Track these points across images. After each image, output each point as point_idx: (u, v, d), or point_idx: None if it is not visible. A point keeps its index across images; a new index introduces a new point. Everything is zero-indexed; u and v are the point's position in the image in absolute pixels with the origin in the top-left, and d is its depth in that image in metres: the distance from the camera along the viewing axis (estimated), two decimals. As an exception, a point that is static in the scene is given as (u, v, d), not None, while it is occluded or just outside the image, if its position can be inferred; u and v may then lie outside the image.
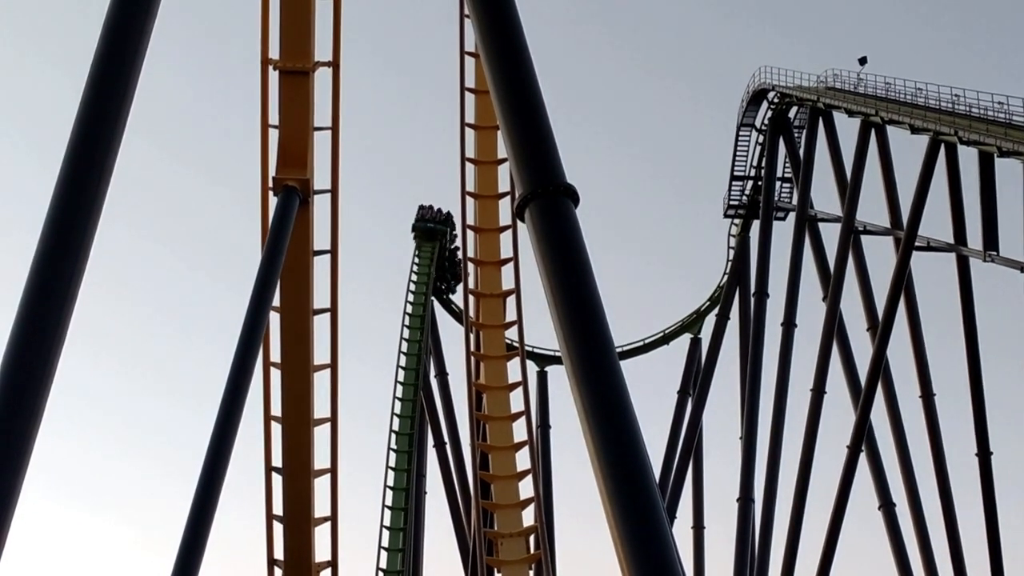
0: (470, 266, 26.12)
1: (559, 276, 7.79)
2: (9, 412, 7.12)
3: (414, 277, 33.35)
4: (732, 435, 33.09)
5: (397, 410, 28.91)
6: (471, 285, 25.98)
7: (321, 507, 19.18)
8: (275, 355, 17.27)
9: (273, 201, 17.27)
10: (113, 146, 8.18)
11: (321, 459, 18.83)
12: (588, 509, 38.43)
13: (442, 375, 32.04)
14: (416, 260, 33.91)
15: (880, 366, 28.86)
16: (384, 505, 29.02)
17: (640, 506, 6.22)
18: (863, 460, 29.34)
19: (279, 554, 19.06)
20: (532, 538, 22.86)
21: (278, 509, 18.50)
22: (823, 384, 29.67)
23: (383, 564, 27.51)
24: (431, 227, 34.81)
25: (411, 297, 32.36)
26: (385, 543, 28.14)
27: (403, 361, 30.41)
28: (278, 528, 18.85)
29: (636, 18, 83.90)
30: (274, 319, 16.74)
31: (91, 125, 8.12)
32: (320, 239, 18.12)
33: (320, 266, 18.24)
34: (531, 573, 22.93)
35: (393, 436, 28.98)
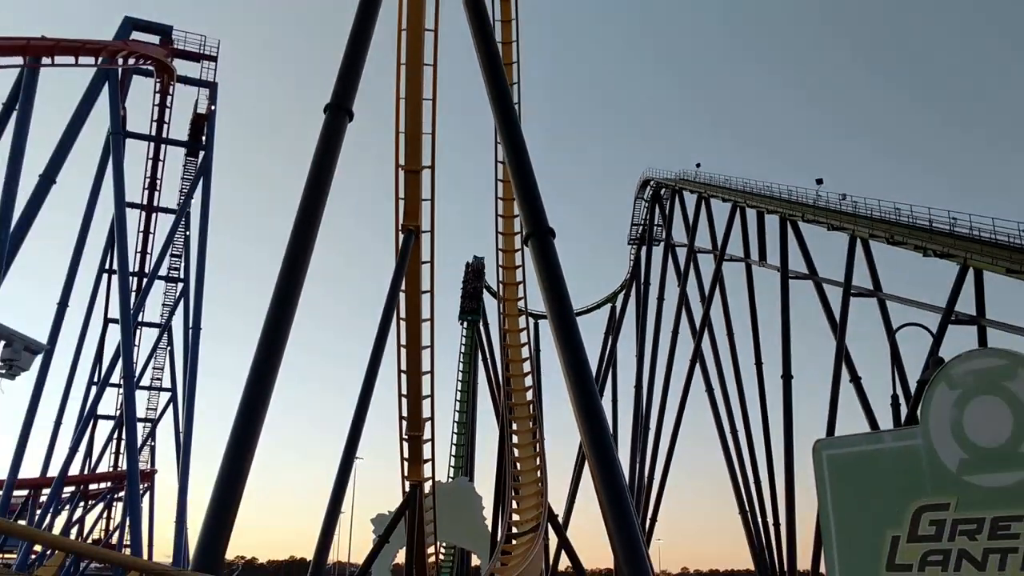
0: (501, 272, 40.62)
1: (546, 276, 15.37)
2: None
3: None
4: (631, 354, 59.54)
5: (463, 344, 54.72)
6: (500, 278, 41.24)
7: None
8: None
9: (400, 237, 29.57)
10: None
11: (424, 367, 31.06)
12: (563, 395, 61.74)
13: (486, 326, 57.57)
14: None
15: (706, 321, 55.06)
16: (456, 400, 54.44)
17: (588, 391, 14.14)
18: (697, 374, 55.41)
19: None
20: (531, 408, 39.71)
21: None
22: (677, 329, 56.05)
23: (457, 419, 53.19)
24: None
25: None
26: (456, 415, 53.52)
27: (465, 323, 56.18)
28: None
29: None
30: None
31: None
32: (424, 255, 31.08)
33: (424, 271, 31.63)
34: (530, 424, 38.93)
35: (461, 361, 54.73)
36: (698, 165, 56.18)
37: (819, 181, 44.57)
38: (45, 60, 28.02)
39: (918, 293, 38.43)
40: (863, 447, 4.85)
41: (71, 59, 29.59)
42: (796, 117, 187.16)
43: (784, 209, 45.78)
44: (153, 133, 45.57)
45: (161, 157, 47.53)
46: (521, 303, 40.59)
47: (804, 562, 43.42)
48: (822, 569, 35.19)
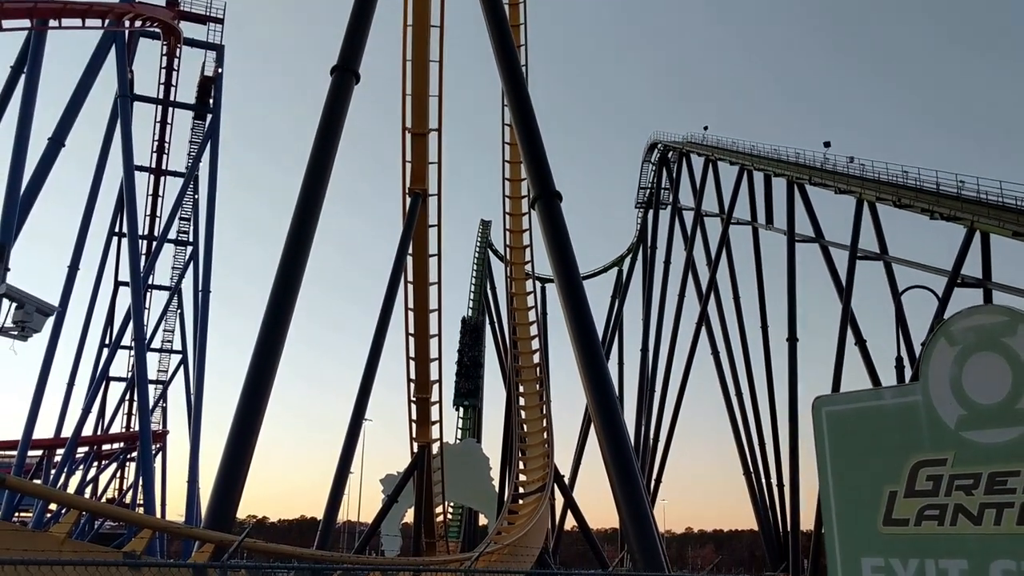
0: (508, 235, 39.49)
1: (553, 239, 18.39)
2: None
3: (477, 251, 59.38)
4: (637, 317, 59.76)
5: (471, 307, 54.98)
6: (507, 241, 39.95)
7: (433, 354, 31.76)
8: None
9: (407, 200, 30.31)
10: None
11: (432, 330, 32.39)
12: (569, 354, 62.18)
13: (493, 289, 57.73)
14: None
15: (713, 284, 55.01)
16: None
17: (594, 353, 18.04)
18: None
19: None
20: (538, 370, 40.40)
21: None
22: (684, 292, 56.09)
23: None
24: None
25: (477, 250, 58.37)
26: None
27: (473, 283, 56.37)
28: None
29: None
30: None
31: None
32: (431, 219, 30.97)
33: (431, 235, 31.31)
34: (537, 386, 39.96)
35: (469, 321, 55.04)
36: (705, 128, 55.97)
37: (827, 144, 44.29)
38: (52, 23, 27.88)
39: (925, 257, 38.36)
40: (862, 403, 4.96)
41: (78, 21, 29.41)
42: (805, 81, 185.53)
43: (792, 172, 45.56)
44: (161, 96, 45.46)
45: (169, 120, 47.50)
46: (528, 267, 41.00)
47: (807, 522, 43.85)
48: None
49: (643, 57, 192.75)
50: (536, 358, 40.25)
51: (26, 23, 27.24)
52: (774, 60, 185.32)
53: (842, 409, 5.04)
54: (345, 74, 22.39)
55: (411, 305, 31.01)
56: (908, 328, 35.61)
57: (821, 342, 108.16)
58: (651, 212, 61.76)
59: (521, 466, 36.35)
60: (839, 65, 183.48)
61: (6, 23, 26.22)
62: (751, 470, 50.38)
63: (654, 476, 53.97)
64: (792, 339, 44.76)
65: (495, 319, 57.41)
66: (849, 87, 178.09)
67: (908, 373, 28.64)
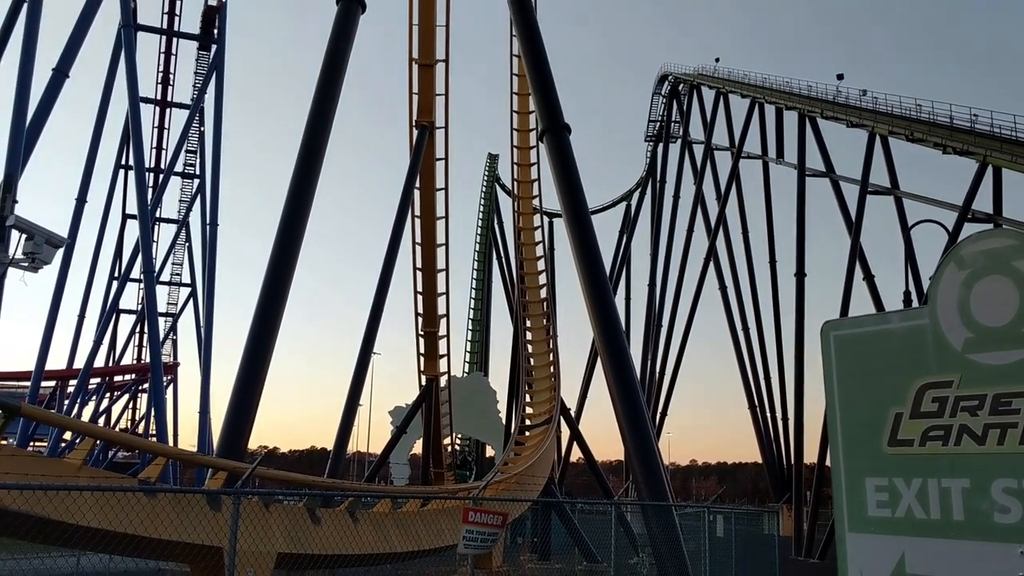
0: (516, 169, 39.79)
1: (561, 172, 19.42)
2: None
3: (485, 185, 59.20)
4: (645, 252, 59.81)
5: (478, 241, 55.05)
6: (515, 175, 40.34)
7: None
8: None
9: (414, 133, 29.79)
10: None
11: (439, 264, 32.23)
12: (576, 289, 62.62)
13: (500, 224, 57.68)
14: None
15: (722, 219, 54.70)
16: (471, 298, 55.22)
17: (601, 288, 19.07)
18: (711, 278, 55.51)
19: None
20: (544, 305, 40.72)
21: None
22: (692, 226, 55.94)
23: (471, 316, 54.01)
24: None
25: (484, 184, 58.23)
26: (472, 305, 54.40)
27: (480, 217, 56.35)
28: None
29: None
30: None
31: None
32: (438, 152, 30.55)
33: (438, 168, 30.82)
34: (544, 321, 39.27)
35: (476, 255, 55.20)
36: (717, 60, 55.13)
37: (840, 77, 43.57)
38: (52, -52, 27.47)
39: (936, 192, 38.05)
40: (870, 327, 4.99)
41: (78, -52, 29.02)
42: (819, 11, 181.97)
43: (803, 105, 45.01)
44: (164, 26, 44.93)
45: (173, 51, 47.05)
46: (535, 201, 41.14)
47: (811, 455, 44.33)
48: (828, 463, 35.90)
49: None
50: (543, 293, 40.59)
51: (26, -51, 26.86)
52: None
53: (850, 333, 5.07)
54: (351, 3, 22.09)
55: (418, 239, 31.01)
56: (917, 263, 35.58)
57: (829, 277, 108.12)
58: (660, 146, 61.15)
59: (528, 399, 36.77)
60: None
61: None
62: (756, 404, 50.77)
63: (659, 409, 54.41)
64: (800, 274, 44.67)
65: (502, 254, 57.46)
66: (863, 19, 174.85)
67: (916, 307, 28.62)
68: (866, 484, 4.80)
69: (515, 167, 40.24)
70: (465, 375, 51.46)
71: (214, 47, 42.45)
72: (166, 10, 44.63)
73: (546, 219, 55.54)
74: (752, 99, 51.00)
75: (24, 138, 24.06)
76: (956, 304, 4.63)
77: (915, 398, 4.68)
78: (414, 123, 30.82)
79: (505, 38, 37.19)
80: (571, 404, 42.03)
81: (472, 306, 56.54)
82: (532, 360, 38.08)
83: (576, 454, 44.61)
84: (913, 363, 4.73)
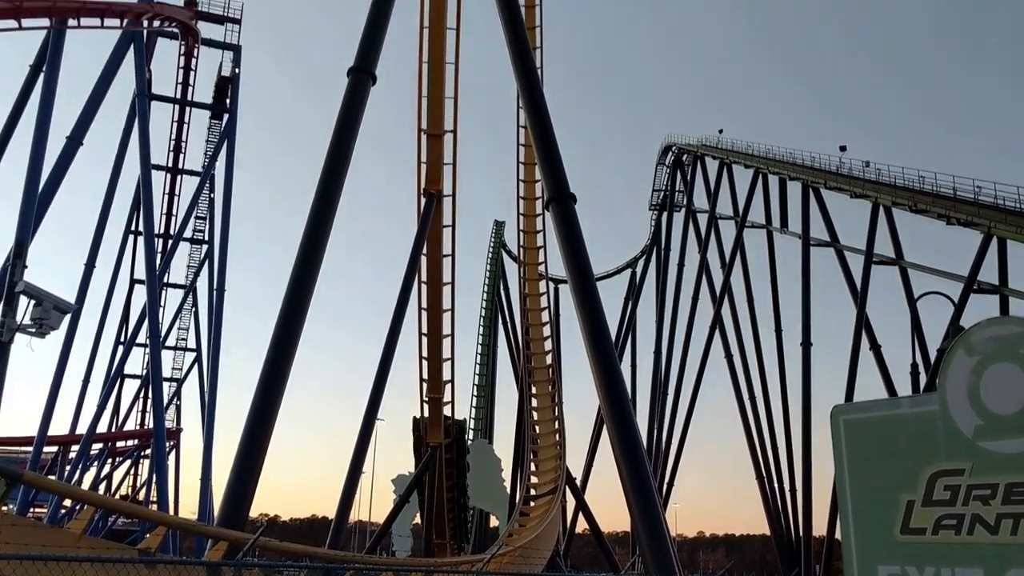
0: (522, 236, 39.94)
1: (566, 240, 17.22)
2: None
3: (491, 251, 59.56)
4: (650, 319, 59.77)
5: (483, 308, 55.06)
6: (521, 242, 40.40)
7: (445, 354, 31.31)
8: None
9: (422, 201, 30.12)
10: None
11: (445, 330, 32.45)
12: (581, 356, 62.35)
13: (506, 290, 57.81)
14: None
15: (727, 288, 54.87)
16: (476, 364, 55.07)
17: (607, 355, 17.38)
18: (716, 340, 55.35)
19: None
20: (550, 371, 40.73)
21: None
22: (697, 295, 55.98)
23: (476, 382, 53.77)
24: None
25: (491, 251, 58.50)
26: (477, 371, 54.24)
27: (487, 284, 56.44)
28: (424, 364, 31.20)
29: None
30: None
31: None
32: (446, 219, 30.75)
33: (445, 235, 31.11)
34: (549, 387, 40.22)
35: (482, 321, 55.17)
36: (720, 131, 55.90)
37: (842, 148, 44.09)
38: (71, 22, 28.04)
39: (941, 262, 38.10)
40: (880, 412, 4.98)
41: (97, 21, 29.57)
42: (821, 84, 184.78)
43: (806, 176, 45.43)
44: (178, 96, 45.67)
45: (186, 120, 47.69)
46: (541, 268, 41.31)
47: (819, 528, 43.68)
48: (838, 535, 35.38)
49: (658, 60, 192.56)
50: (549, 359, 40.42)
51: (45, 22, 27.44)
52: (789, 63, 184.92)
53: (859, 418, 5.05)
54: (362, 75, 22.44)
55: (425, 305, 31.06)
56: (923, 334, 35.51)
57: (836, 347, 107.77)
58: (665, 214, 61.66)
59: (533, 468, 36.39)
60: (855, 69, 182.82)
61: (25, 22, 26.44)
62: (764, 474, 50.15)
63: (666, 479, 53.89)
64: (806, 344, 44.61)
65: (508, 320, 57.54)
66: (865, 91, 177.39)
67: (923, 379, 28.52)
68: (879, 572, 4.74)
69: (521, 234, 40.43)
70: (470, 443, 51.06)
71: (226, 116, 43.10)
72: (180, 80, 45.45)
73: (552, 285, 55.60)
74: (756, 169, 51.57)
75: (36, 205, 24.33)
76: (966, 391, 4.63)
77: (927, 485, 4.65)
78: (422, 191, 31.10)
79: (512, 109, 37.66)
80: (576, 473, 41.65)
81: (477, 372, 56.45)
82: (537, 428, 37.80)
83: (582, 524, 44.10)
84: (924, 450, 4.71)
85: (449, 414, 32.26)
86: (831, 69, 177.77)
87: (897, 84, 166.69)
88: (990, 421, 4.56)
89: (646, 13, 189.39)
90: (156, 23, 35.44)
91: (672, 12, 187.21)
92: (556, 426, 37.07)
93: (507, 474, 47.58)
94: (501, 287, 58.12)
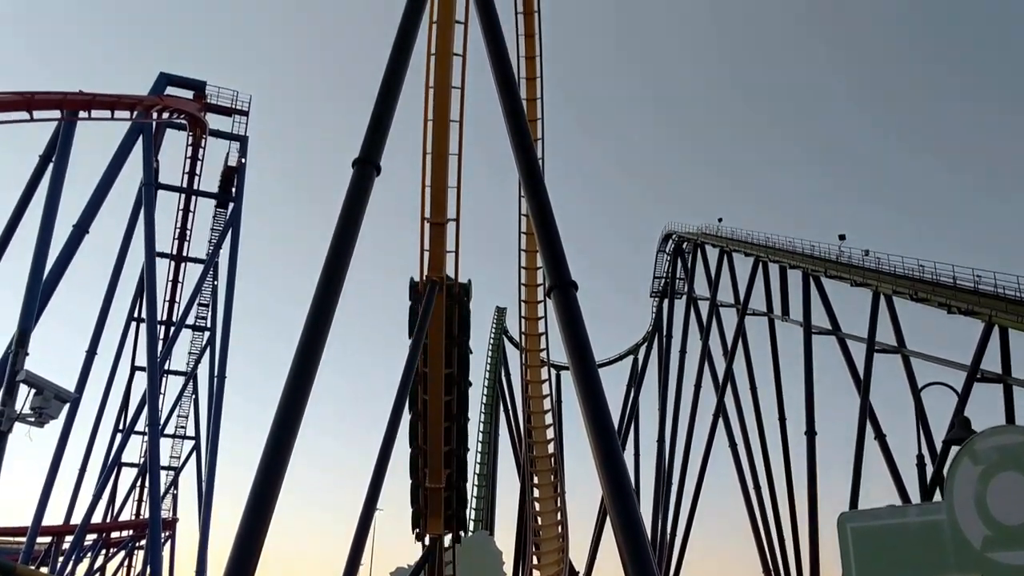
0: (524, 323, 39.56)
1: (568, 328, 14.06)
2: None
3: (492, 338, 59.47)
4: (653, 407, 59.39)
5: (485, 394, 54.70)
6: (523, 329, 40.06)
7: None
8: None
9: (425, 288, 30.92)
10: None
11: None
12: (583, 445, 61.29)
13: (508, 377, 57.53)
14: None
15: (729, 376, 54.69)
16: (477, 452, 54.37)
17: (610, 443, 12.35)
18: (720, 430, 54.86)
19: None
20: (552, 461, 40.15)
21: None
22: (700, 382, 55.73)
23: (477, 471, 52.96)
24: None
25: (492, 337, 58.39)
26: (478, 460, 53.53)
27: (488, 370, 56.20)
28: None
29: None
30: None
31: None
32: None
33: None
34: (551, 477, 39.56)
35: (483, 409, 54.77)
36: (720, 220, 56.42)
37: (842, 237, 44.43)
38: (82, 114, 28.66)
39: (943, 350, 38.03)
40: (887, 521, 4.90)
41: (107, 113, 30.25)
42: (817, 176, 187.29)
43: (807, 264, 45.71)
44: (184, 185, 46.36)
45: (192, 208, 48.34)
46: (543, 355, 41.19)
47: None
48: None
49: (658, 148, 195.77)
50: (551, 448, 39.91)
51: (56, 114, 28.06)
52: (787, 153, 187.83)
53: (867, 526, 4.98)
54: (366, 166, 22.66)
55: (425, 396, 30.87)
56: (928, 424, 35.26)
57: (840, 435, 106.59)
58: (666, 301, 61.77)
59: (535, 561, 35.69)
60: (852, 157, 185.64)
61: (37, 114, 27.02)
62: (771, 568, 49.22)
63: (671, 571, 52.79)
64: (811, 433, 44.20)
65: (509, 407, 57.19)
66: (864, 180, 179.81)
67: (930, 470, 28.18)
68: None
69: (523, 321, 40.47)
70: (470, 534, 50.15)
71: (231, 205, 43.67)
72: (186, 170, 46.16)
73: (554, 372, 55.45)
74: (756, 257, 51.86)
75: (40, 293, 24.47)
76: (973, 500, 4.57)
77: (936, 596, 4.55)
78: (424, 279, 31.15)
79: (514, 196, 38.16)
80: (579, 565, 40.84)
81: (478, 460, 55.70)
82: (539, 519, 37.19)
83: (585, 619, 42.97)
84: (933, 559, 4.62)
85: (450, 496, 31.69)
86: (830, 158, 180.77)
87: (896, 174, 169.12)
88: (998, 532, 4.48)
89: (646, 103, 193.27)
90: (165, 115, 36.22)
91: (673, 103, 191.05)
92: (559, 517, 36.50)
93: (508, 567, 46.56)
94: (503, 373, 57.92)
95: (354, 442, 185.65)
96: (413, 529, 32.14)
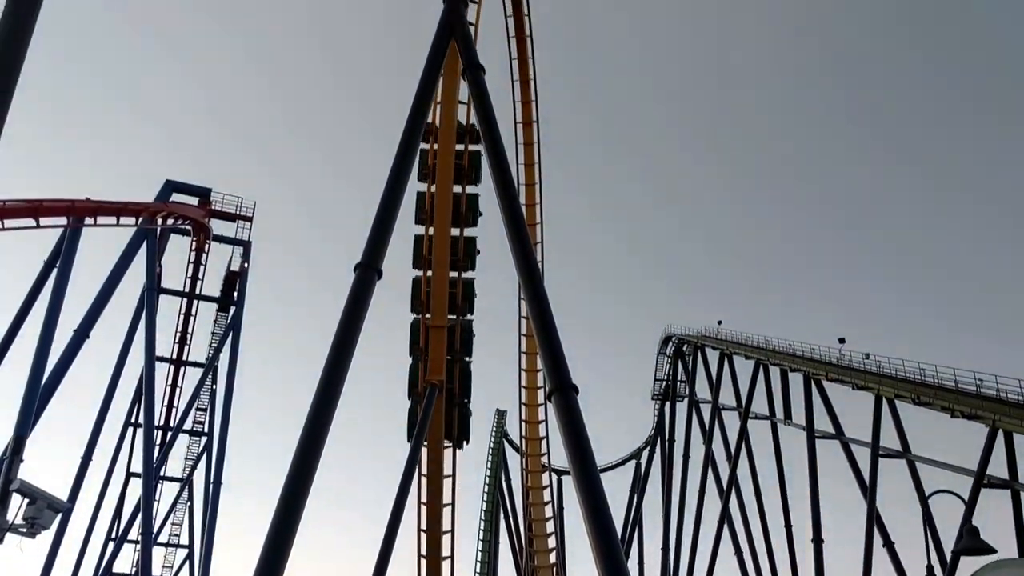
0: (524, 426, 39.44)
1: (569, 432, 13.80)
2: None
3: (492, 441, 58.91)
4: (657, 511, 58.24)
5: (484, 499, 53.71)
6: (523, 432, 39.84)
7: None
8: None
9: (425, 392, 30.45)
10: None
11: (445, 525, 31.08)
12: (586, 552, 59.60)
13: (508, 481, 56.58)
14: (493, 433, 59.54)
15: (733, 481, 53.84)
16: (477, 560, 53.04)
17: (613, 550, 11.67)
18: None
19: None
20: (554, 570, 39.20)
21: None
22: (704, 487, 54.84)
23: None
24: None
25: (492, 440, 57.77)
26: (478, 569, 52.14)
27: (488, 474, 55.40)
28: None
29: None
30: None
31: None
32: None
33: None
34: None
35: (483, 514, 53.68)
36: (719, 322, 56.57)
37: (841, 340, 44.37)
38: (88, 221, 29.15)
39: (949, 454, 37.57)
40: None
41: (113, 219, 30.79)
42: (816, 277, 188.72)
43: (807, 367, 45.60)
44: (187, 289, 46.63)
45: (193, 312, 48.50)
46: (544, 459, 40.81)
47: None
48: None
49: (657, 252, 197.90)
50: (552, 557, 39.17)
51: (63, 221, 28.52)
52: (786, 255, 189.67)
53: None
54: (368, 271, 22.91)
55: (424, 499, 30.40)
56: (937, 531, 34.60)
57: (848, 542, 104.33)
58: (668, 404, 61.41)
59: None
60: (852, 259, 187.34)
61: (43, 220, 27.47)
62: None
63: None
64: (817, 540, 43.31)
65: (510, 513, 56.04)
66: (863, 281, 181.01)
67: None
68: None
69: (523, 424, 40.23)
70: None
71: (232, 309, 43.89)
72: (189, 274, 46.52)
73: (555, 476, 54.63)
74: (756, 360, 51.74)
75: (38, 399, 24.38)
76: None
77: None
78: (424, 382, 31.02)
79: (514, 299, 38.43)
80: None
81: (478, 569, 54.23)
82: (541, 632, 36.15)
83: None
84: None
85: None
86: (827, 260, 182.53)
87: (895, 277, 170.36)
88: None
89: (644, 207, 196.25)
90: (171, 221, 36.79)
91: (670, 210, 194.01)
92: (561, 629, 35.44)
93: None
94: (503, 478, 57.01)
95: (354, 542, 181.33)
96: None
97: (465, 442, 31.48)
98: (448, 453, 30.70)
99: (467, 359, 31.24)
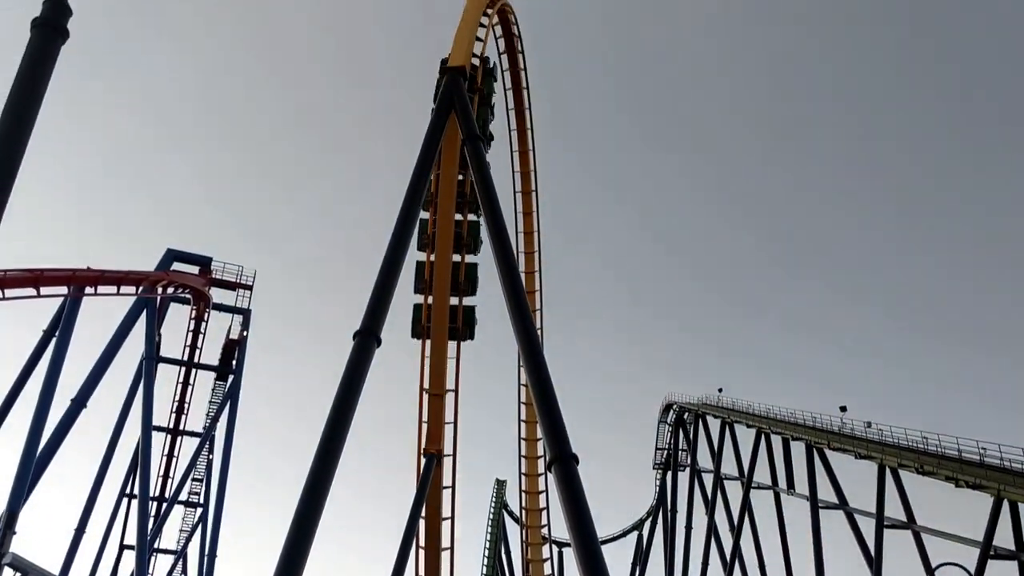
0: (524, 497, 39.54)
1: (570, 502, 14.07)
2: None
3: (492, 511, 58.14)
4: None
5: (484, 572, 52.78)
6: (523, 503, 40.03)
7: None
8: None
9: (422, 461, 28.89)
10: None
11: None
12: None
13: (508, 553, 55.68)
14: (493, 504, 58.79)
15: (737, 552, 52.90)
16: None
17: None
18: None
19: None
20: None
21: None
22: (707, 559, 53.90)
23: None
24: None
25: (492, 511, 57.00)
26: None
27: (487, 546, 54.53)
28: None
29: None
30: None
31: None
32: (446, 480, 29.38)
33: (445, 496, 30.04)
34: None
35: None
36: (720, 390, 56.32)
37: (843, 409, 44.13)
38: (88, 290, 29.18)
39: (954, 524, 36.99)
40: None
41: (113, 288, 30.82)
42: (816, 347, 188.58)
43: (809, 436, 45.22)
44: (185, 358, 46.44)
45: (191, 381, 48.22)
46: (544, 530, 40.45)
47: None
48: None
49: (656, 319, 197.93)
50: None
51: (63, 290, 28.56)
52: (782, 321, 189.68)
53: None
54: (367, 338, 22.95)
55: (422, 572, 29.91)
56: (945, 604, 33.92)
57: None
58: (670, 474, 60.79)
59: None
60: (850, 326, 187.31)
61: (44, 290, 27.49)
62: None
63: None
64: (823, 611, 42.45)
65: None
66: (861, 347, 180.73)
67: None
68: None
69: (523, 495, 39.81)
70: None
71: (231, 377, 43.67)
72: (188, 343, 46.36)
73: (555, 548, 53.76)
74: (758, 428, 51.31)
75: (32, 471, 24.11)
76: None
77: None
78: (422, 451, 30.80)
79: (513, 367, 38.41)
80: None
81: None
82: None
83: None
84: None
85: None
86: (826, 327, 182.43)
87: (894, 344, 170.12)
88: None
89: (645, 274, 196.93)
90: (171, 290, 36.84)
91: (674, 266, 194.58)
92: None
93: None
94: (503, 549, 56.17)
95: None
96: None
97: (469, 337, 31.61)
98: (446, 525, 30.37)
99: None
